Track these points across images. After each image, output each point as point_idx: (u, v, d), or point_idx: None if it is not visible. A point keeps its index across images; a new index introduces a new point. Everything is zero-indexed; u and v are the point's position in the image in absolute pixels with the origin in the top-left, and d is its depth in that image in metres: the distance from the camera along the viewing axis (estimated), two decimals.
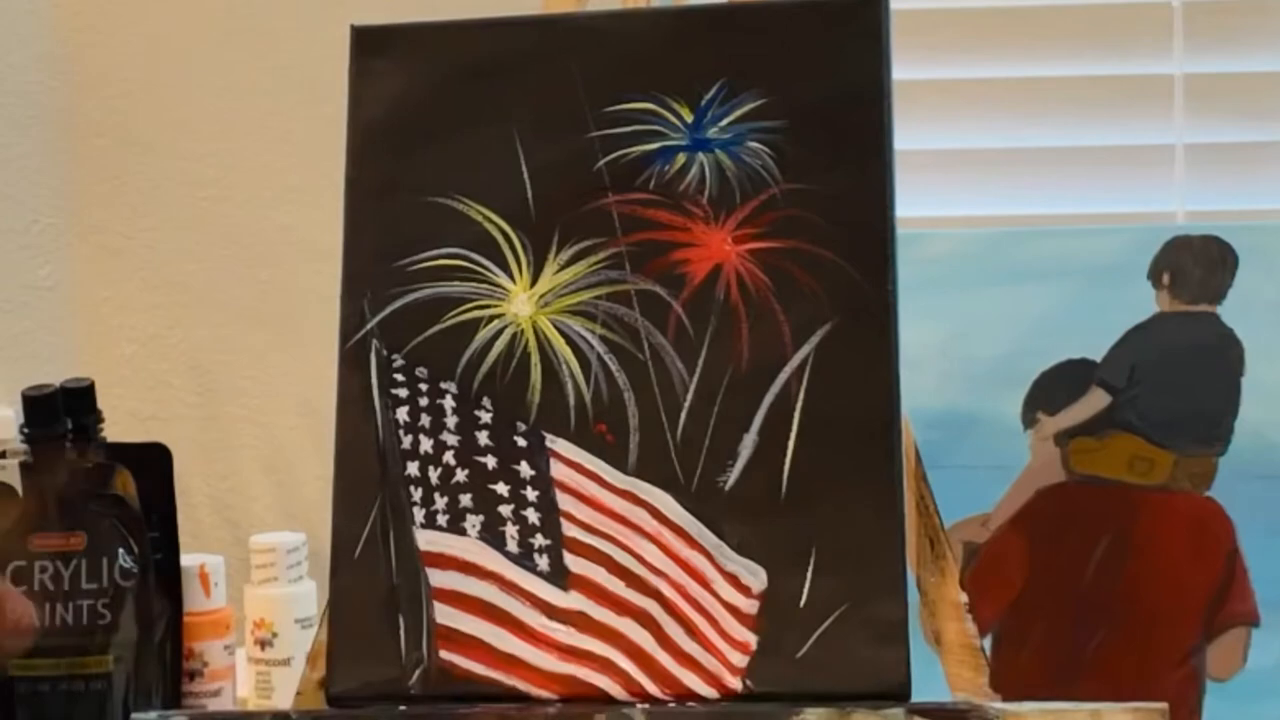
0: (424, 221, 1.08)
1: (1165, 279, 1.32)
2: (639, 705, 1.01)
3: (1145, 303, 1.32)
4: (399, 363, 1.07)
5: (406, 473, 1.06)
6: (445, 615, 1.04)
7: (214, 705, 1.38)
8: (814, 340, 1.03)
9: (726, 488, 1.03)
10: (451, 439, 1.06)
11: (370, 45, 1.11)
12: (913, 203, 1.22)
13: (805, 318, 1.03)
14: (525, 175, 1.08)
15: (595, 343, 1.05)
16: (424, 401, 1.07)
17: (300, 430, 1.66)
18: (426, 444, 1.06)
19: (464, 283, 1.07)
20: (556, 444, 1.05)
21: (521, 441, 1.05)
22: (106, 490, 1.26)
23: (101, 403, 1.30)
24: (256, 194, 1.64)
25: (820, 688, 0.99)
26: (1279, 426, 1.30)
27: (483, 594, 1.04)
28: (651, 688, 1.01)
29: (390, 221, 1.09)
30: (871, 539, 1.00)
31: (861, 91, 1.04)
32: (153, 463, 1.28)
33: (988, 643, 1.29)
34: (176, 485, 1.28)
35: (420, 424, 1.06)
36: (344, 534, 1.06)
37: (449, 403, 1.06)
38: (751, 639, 1.01)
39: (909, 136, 1.28)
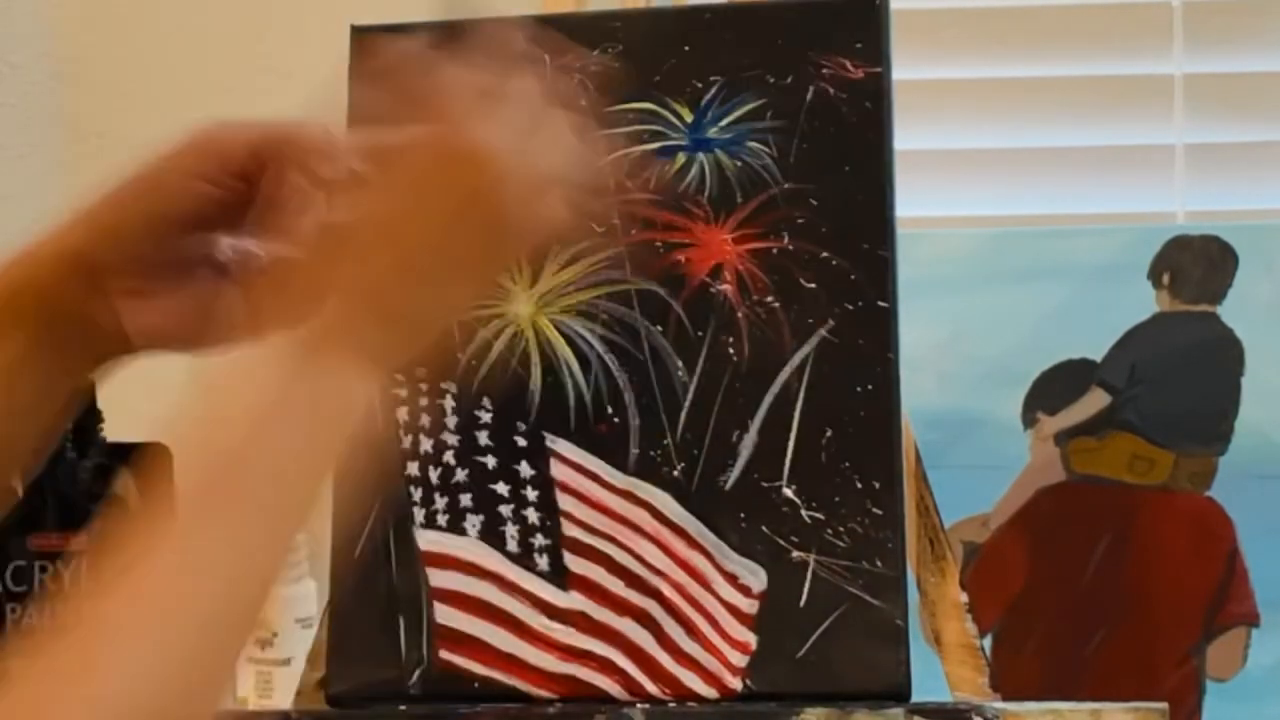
0: None
1: (1165, 279, 1.32)
2: (639, 705, 1.00)
3: (1145, 303, 1.32)
4: None
5: (406, 473, 1.06)
6: (445, 615, 1.04)
7: None
8: (814, 340, 1.03)
9: (726, 488, 1.03)
10: (451, 439, 1.06)
11: (370, 45, 1.10)
12: (913, 203, 1.21)
13: (805, 318, 1.03)
14: None
15: (595, 342, 1.05)
16: (424, 401, 1.06)
17: None
18: (426, 444, 1.06)
19: None
20: (556, 444, 1.05)
21: (521, 441, 1.05)
22: (106, 490, 1.26)
23: (101, 403, 1.29)
24: None
25: (820, 688, 0.99)
26: (1279, 426, 1.30)
27: (483, 594, 1.04)
28: (651, 688, 1.01)
29: None
30: (871, 539, 1.00)
31: (861, 91, 1.04)
32: (153, 463, 1.27)
33: (988, 643, 1.28)
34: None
35: (420, 424, 1.06)
36: (344, 534, 1.06)
37: (449, 403, 1.06)
38: (751, 639, 1.01)
39: (909, 136, 1.28)
